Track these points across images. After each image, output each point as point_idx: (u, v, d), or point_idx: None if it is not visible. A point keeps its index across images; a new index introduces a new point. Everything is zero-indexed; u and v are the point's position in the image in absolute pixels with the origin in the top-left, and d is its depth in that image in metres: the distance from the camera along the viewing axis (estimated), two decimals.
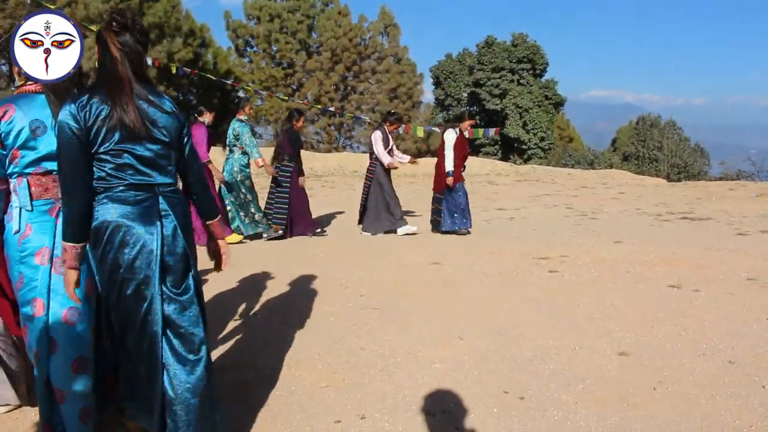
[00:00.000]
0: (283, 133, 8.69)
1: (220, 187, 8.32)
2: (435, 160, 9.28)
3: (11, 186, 2.91)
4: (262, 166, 8.18)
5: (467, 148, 9.18)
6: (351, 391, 3.61)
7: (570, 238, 8.46)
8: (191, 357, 2.64)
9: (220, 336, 4.54)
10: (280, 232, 8.56)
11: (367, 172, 9.24)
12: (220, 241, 3.02)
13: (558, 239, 8.38)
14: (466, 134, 9.46)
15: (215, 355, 4.13)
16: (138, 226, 2.51)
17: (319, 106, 29.22)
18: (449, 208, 8.88)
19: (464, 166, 9.11)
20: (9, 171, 2.91)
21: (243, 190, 8.33)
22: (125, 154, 2.49)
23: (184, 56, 25.93)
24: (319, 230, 8.90)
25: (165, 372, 2.60)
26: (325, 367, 3.95)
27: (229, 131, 8.37)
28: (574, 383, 3.71)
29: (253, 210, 8.41)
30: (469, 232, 8.87)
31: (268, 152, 9.84)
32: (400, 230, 8.86)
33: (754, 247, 7.69)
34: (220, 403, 2.86)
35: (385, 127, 9.18)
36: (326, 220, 10.35)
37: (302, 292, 5.71)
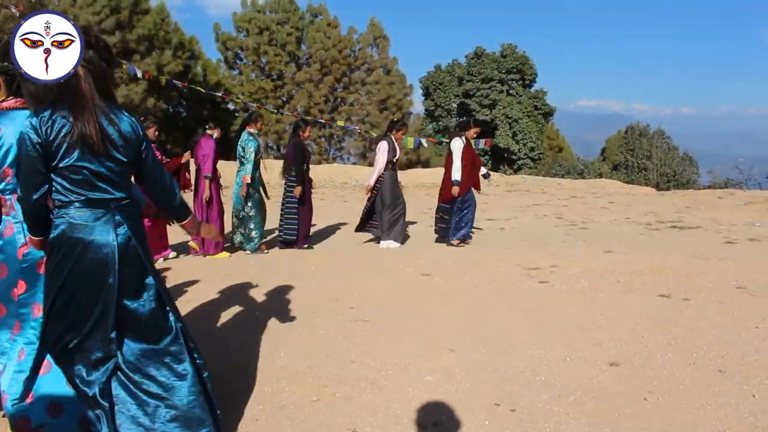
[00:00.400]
0: (290, 144, 8.75)
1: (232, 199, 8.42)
2: (424, 170, 9.27)
3: (9, 202, 2.97)
4: (246, 183, 8.19)
5: (476, 156, 9.07)
6: (342, 405, 3.58)
7: (560, 248, 8.48)
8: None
9: (207, 349, 4.51)
10: (266, 252, 8.54)
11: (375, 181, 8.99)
12: (203, 230, 3.19)
13: (548, 249, 8.40)
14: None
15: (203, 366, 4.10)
16: (95, 239, 2.57)
17: (309, 118, 29.22)
18: (458, 218, 8.75)
19: (488, 173, 9.19)
20: (2, 188, 2.95)
21: (249, 204, 8.34)
22: (84, 170, 2.54)
23: (174, 68, 25.95)
24: (306, 246, 8.82)
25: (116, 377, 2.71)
26: (316, 381, 3.93)
27: (239, 144, 8.42)
28: (565, 394, 3.70)
29: (252, 226, 8.40)
30: (460, 245, 8.79)
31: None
32: (384, 243, 8.80)
33: (743, 256, 7.73)
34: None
35: (392, 137, 8.99)
36: (317, 231, 10.32)
37: (292, 305, 5.69)
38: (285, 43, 33.28)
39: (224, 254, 8.24)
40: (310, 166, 8.83)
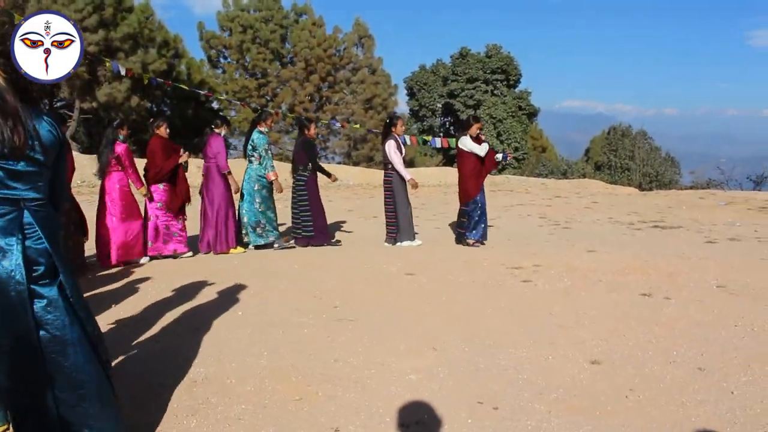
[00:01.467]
0: (299, 143, 8.78)
1: (242, 196, 8.44)
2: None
3: None
4: (274, 180, 8.33)
5: (488, 154, 8.91)
6: (325, 404, 3.58)
7: (543, 248, 8.52)
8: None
9: (191, 348, 4.49)
10: (291, 242, 8.66)
11: (384, 183, 8.96)
12: None
13: (532, 249, 8.44)
14: (439, 143, 9.46)
15: (186, 367, 4.08)
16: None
17: (291, 115, 29.18)
18: (476, 218, 8.72)
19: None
20: None
21: (258, 200, 8.39)
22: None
23: (158, 67, 25.76)
24: (334, 241, 8.93)
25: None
26: (299, 380, 3.92)
27: (249, 143, 8.46)
28: (547, 392, 3.72)
29: (264, 221, 8.44)
30: (476, 245, 8.70)
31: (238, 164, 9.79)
32: (406, 243, 8.72)
33: (723, 255, 7.82)
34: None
35: (395, 133, 8.90)
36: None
37: (276, 304, 5.67)
38: (269, 40, 33.16)
39: (240, 249, 8.37)
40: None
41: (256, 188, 8.38)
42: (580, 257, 7.71)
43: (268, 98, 34.18)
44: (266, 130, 8.56)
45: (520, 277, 6.70)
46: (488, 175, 9.03)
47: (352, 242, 9.26)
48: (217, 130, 8.41)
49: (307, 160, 8.59)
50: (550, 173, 31.81)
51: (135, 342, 4.64)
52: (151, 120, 8.42)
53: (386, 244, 8.93)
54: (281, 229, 9.08)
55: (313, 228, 8.67)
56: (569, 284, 6.37)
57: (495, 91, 39.93)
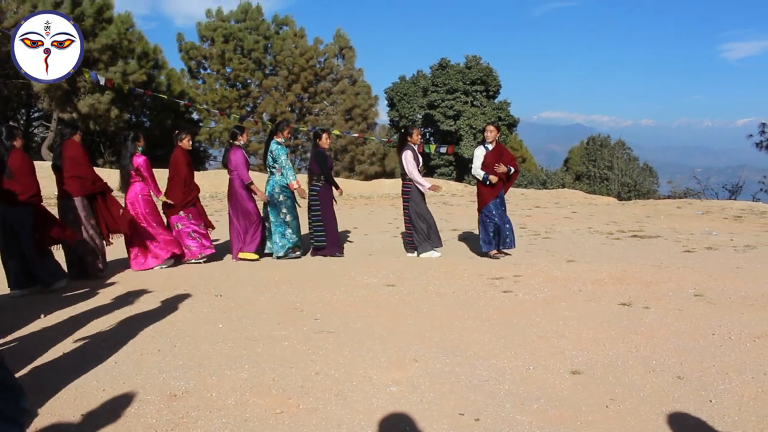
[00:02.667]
0: (312, 153, 8.88)
1: (264, 207, 8.61)
2: (388, 181, 9.22)
3: None
4: (296, 189, 8.48)
5: (506, 158, 8.67)
6: (306, 417, 3.56)
7: (523, 258, 8.56)
8: None
9: (171, 361, 4.45)
10: (297, 253, 8.74)
11: (402, 194, 8.91)
12: None
13: (512, 259, 8.47)
14: (445, 150, 9.41)
15: (166, 380, 4.04)
16: None
17: (270, 123, 29.13)
18: (483, 229, 8.59)
19: (509, 170, 8.60)
20: None
21: (284, 210, 8.53)
22: None
23: (138, 78, 25.65)
24: (338, 254, 8.89)
25: None
26: (280, 393, 3.90)
27: (269, 154, 8.58)
28: (528, 403, 3.73)
29: (290, 231, 8.59)
30: (495, 256, 8.56)
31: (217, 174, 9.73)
32: (426, 254, 8.66)
33: (701, 264, 7.90)
34: None
35: (411, 144, 8.79)
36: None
37: (256, 316, 5.64)
38: (252, 49, 33.14)
39: (254, 254, 8.52)
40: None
41: (280, 199, 8.53)
42: (560, 267, 7.75)
43: (249, 108, 34.12)
44: (283, 140, 8.70)
45: (500, 287, 6.72)
46: (467, 186, 8.92)
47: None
48: (236, 142, 8.56)
49: (319, 171, 8.69)
50: (530, 183, 32.02)
51: (113, 356, 4.59)
52: (176, 132, 8.55)
53: (408, 254, 8.98)
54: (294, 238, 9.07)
55: (325, 238, 8.75)
56: (549, 294, 6.40)
57: (475, 102, 40.16)
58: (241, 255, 8.48)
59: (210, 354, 4.63)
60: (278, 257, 8.59)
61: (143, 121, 30.35)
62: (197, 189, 8.46)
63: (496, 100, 41.24)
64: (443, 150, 16.01)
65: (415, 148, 8.82)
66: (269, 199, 8.51)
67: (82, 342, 4.93)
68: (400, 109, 42.19)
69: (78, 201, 7.33)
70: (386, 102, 43.40)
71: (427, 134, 42.75)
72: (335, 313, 5.76)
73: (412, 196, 8.69)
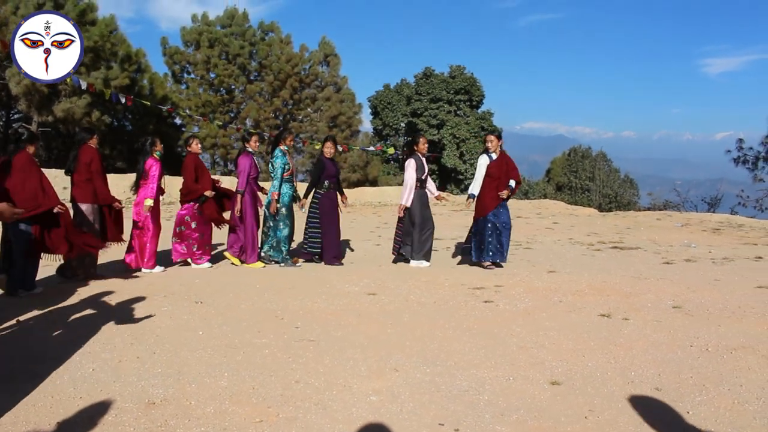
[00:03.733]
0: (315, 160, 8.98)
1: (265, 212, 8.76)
2: (371, 189, 9.22)
3: None
4: (274, 200, 8.55)
5: (511, 170, 8.57)
6: (285, 426, 3.54)
7: (505, 268, 8.59)
8: None
9: (149, 368, 4.41)
10: (300, 264, 8.78)
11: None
12: None
13: (493, 269, 8.50)
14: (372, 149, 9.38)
15: (145, 387, 4.01)
16: None
17: (254, 131, 29.06)
18: (477, 237, 8.54)
19: (509, 190, 8.45)
20: None
21: (277, 218, 8.65)
22: None
23: (120, 82, 25.47)
24: (337, 263, 8.88)
25: None
26: (259, 401, 3.88)
27: (271, 161, 8.73)
28: (508, 413, 3.74)
29: (280, 238, 8.69)
30: (489, 267, 8.50)
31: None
32: (414, 263, 8.66)
33: (680, 276, 7.98)
34: None
35: (418, 153, 8.77)
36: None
37: (236, 324, 5.61)
38: (237, 55, 33.04)
39: (258, 264, 8.64)
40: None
41: (276, 206, 8.63)
42: (540, 278, 7.79)
43: (233, 114, 34.01)
44: (286, 147, 8.77)
45: (481, 297, 6.74)
46: (450, 195, 8.86)
47: (311, 261, 9.21)
48: (248, 147, 8.71)
49: (316, 179, 8.79)
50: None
51: (91, 363, 4.54)
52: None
53: (392, 254, 9.06)
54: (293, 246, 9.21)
55: (321, 245, 8.80)
56: (530, 305, 6.43)
57: (458, 112, 40.32)
58: (247, 265, 8.66)
59: (189, 361, 4.59)
60: (263, 254, 8.77)
61: (125, 125, 30.14)
62: (197, 192, 8.45)
63: (479, 110, 41.43)
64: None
65: (422, 157, 8.79)
66: (266, 205, 8.68)
67: (59, 348, 4.87)
68: (383, 117, 42.24)
69: (87, 206, 7.43)
70: (370, 110, 43.46)
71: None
72: (316, 321, 5.75)
73: (414, 204, 8.67)
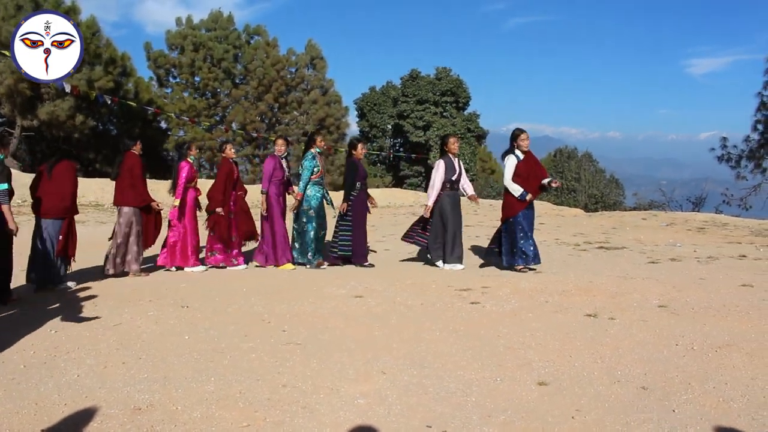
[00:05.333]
0: (346, 162, 9.02)
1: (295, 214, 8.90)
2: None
3: None
4: (298, 200, 8.74)
5: (539, 169, 8.47)
6: (272, 430, 3.53)
7: (491, 269, 8.62)
8: None
9: (134, 374, 4.38)
10: (325, 266, 8.81)
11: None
12: None
13: (479, 270, 8.53)
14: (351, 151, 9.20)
15: (131, 393, 3.98)
16: None
17: (241, 131, 28.99)
18: (507, 241, 8.36)
19: (551, 180, 8.37)
20: None
21: (304, 220, 8.75)
22: None
23: (104, 85, 25.28)
24: (367, 264, 8.88)
25: None
26: (246, 406, 3.86)
27: (301, 162, 8.91)
28: (495, 414, 3.75)
29: (306, 240, 8.77)
30: (522, 270, 8.28)
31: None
32: (448, 266, 8.55)
33: (665, 275, 8.03)
34: None
35: (448, 153, 8.67)
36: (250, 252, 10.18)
37: (223, 327, 5.59)
38: (221, 59, 32.91)
39: (289, 265, 8.74)
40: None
41: (304, 208, 8.82)
42: (527, 279, 7.81)
43: (218, 117, 33.88)
44: (318, 150, 8.92)
45: (468, 299, 6.75)
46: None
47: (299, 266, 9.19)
48: (275, 151, 8.92)
49: (349, 180, 8.80)
50: (499, 194, 32.21)
51: (76, 368, 4.50)
52: (222, 142, 8.84)
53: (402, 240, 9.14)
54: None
55: (351, 247, 8.78)
56: (516, 306, 6.45)
57: (444, 113, 40.37)
58: (282, 267, 8.75)
59: (176, 366, 4.56)
60: (297, 263, 8.87)
61: (110, 129, 29.93)
62: (215, 203, 8.61)
63: (465, 112, 41.51)
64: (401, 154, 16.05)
65: (453, 158, 8.70)
66: (299, 209, 8.81)
67: (44, 354, 4.83)
68: (370, 119, 42.25)
69: (128, 209, 7.99)
70: (356, 112, 43.44)
71: (397, 145, 42.85)
72: (303, 324, 5.73)
73: (443, 206, 8.57)
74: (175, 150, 8.54)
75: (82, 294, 7.02)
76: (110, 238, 8.09)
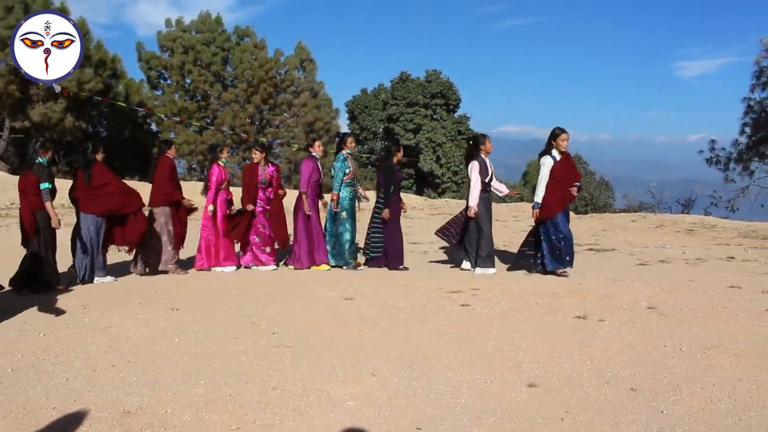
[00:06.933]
0: (383, 166, 8.94)
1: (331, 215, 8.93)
2: None
3: None
4: (333, 200, 8.70)
5: (574, 173, 8.24)
6: None
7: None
8: None
9: (124, 377, 4.36)
10: (361, 268, 8.82)
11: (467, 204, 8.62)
12: None
13: (470, 273, 8.53)
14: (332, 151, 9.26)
15: (120, 396, 3.96)
16: None
17: (231, 132, 28.92)
18: (548, 244, 8.07)
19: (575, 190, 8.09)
20: None
21: (338, 222, 8.79)
22: None
23: (95, 86, 25.14)
24: (402, 267, 8.80)
25: None
26: (236, 409, 3.85)
27: (333, 164, 8.97)
28: (485, 416, 3.76)
29: (341, 242, 8.81)
30: (563, 274, 8.06)
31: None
32: (480, 270, 8.37)
33: (654, 277, 8.06)
34: None
35: (482, 154, 8.46)
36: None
37: (213, 330, 5.57)
38: (210, 63, 32.83)
39: (325, 266, 8.83)
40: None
41: (337, 210, 8.82)
42: (517, 281, 7.84)
43: (209, 120, 33.78)
44: (348, 152, 8.94)
45: (458, 301, 6.76)
46: (427, 199, 8.69)
47: (288, 267, 9.18)
48: (312, 151, 9.00)
49: (384, 184, 8.74)
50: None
51: (64, 372, 4.48)
52: (251, 147, 9.14)
53: (463, 268, 8.68)
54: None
55: (383, 250, 8.74)
56: (506, 308, 6.47)
57: (435, 116, 40.40)
58: (318, 268, 8.82)
59: (165, 369, 4.55)
60: (332, 266, 8.89)
61: (100, 131, 29.78)
62: (248, 201, 8.80)
63: (456, 114, 41.57)
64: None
65: (485, 158, 8.49)
66: (329, 210, 8.87)
67: (32, 357, 4.81)
68: (360, 122, 42.24)
69: (159, 211, 8.34)
70: (347, 115, 43.41)
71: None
72: (293, 327, 5.73)
73: (479, 208, 8.34)
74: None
75: (71, 297, 6.99)
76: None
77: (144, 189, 8.41)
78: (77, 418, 3.69)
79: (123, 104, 19.38)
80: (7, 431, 3.52)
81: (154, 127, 32.21)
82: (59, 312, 6.27)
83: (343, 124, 43.03)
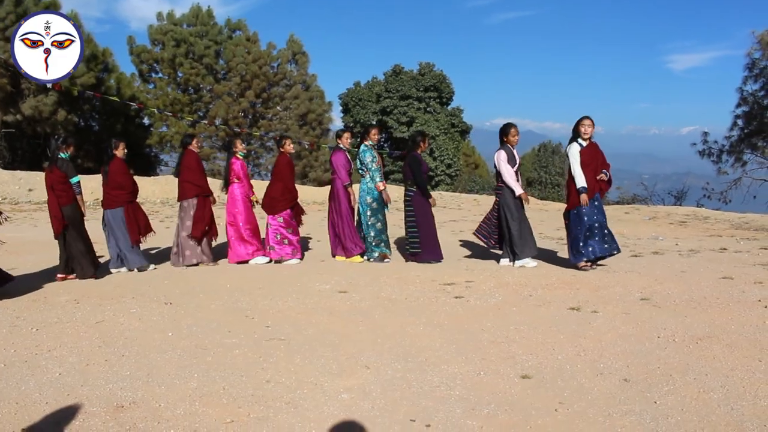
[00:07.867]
0: (408, 157, 8.82)
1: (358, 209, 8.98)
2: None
3: None
4: (382, 190, 8.70)
5: (601, 160, 7.98)
6: (256, 426, 3.52)
7: (475, 264, 8.64)
8: None
9: (117, 371, 4.35)
10: (387, 260, 8.83)
11: (495, 195, 8.54)
12: None
13: (464, 265, 8.55)
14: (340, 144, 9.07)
15: (113, 391, 3.95)
16: None
17: (224, 126, 28.85)
18: (577, 237, 7.85)
19: (604, 176, 7.91)
20: None
21: (369, 213, 8.76)
22: None
23: (86, 81, 25.01)
24: (441, 260, 8.72)
25: None
26: (230, 402, 3.85)
27: (357, 158, 8.97)
28: (479, 408, 3.76)
29: (373, 234, 8.80)
30: (585, 267, 7.91)
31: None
32: (519, 262, 8.21)
33: (647, 268, 8.08)
34: None
35: (508, 144, 8.30)
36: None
37: (207, 324, 5.56)
38: (203, 55, 32.68)
39: (358, 258, 8.85)
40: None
41: (367, 201, 8.82)
42: (510, 273, 7.85)
43: (201, 113, 33.66)
44: (371, 143, 8.95)
45: (452, 293, 6.77)
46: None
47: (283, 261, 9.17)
48: (340, 143, 9.05)
49: (412, 177, 8.62)
50: (482, 189, 32.32)
51: (58, 366, 4.47)
52: (278, 138, 9.16)
53: (502, 262, 8.46)
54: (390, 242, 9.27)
55: (420, 244, 8.62)
56: (500, 300, 6.48)
57: (428, 109, 40.38)
58: (347, 259, 8.85)
59: (159, 363, 4.54)
60: (368, 260, 8.88)
61: (92, 125, 29.66)
62: (296, 197, 9.01)
63: (449, 107, 41.55)
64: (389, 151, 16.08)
65: (512, 148, 8.33)
66: (360, 203, 8.87)
67: (25, 352, 4.79)
68: (354, 115, 42.17)
69: (188, 202, 8.52)
70: (341, 108, 43.33)
71: (381, 140, 42.81)
72: (287, 320, 5.72)
73: (505, 199, 8.19)
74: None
75: (64, 291, 6.96)
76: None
77: (140, 182, 8.38)
78: (70, 412, 3.68)
79: (115, 98, 19.28)
80: (0, 426, 3.51)
81: (146, 120, 32.08)
82: (52, 306, 6.24)
83: (337, 117, 42.96)
